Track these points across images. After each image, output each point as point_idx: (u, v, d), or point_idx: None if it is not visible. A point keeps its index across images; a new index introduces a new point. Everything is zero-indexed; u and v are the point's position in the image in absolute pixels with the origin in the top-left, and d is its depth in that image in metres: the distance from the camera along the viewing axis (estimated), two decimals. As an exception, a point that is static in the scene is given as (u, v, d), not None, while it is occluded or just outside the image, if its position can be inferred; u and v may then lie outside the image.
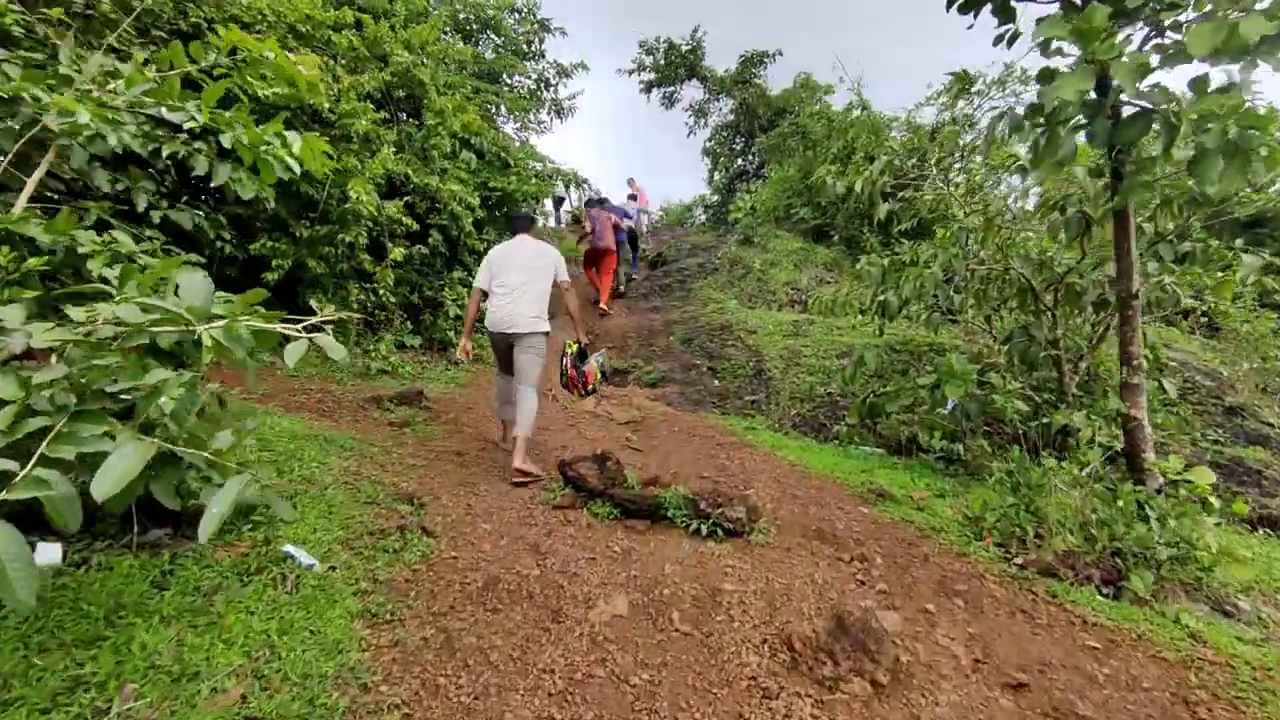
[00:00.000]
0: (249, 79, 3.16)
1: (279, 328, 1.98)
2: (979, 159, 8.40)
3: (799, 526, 3.52)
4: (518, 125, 12.69)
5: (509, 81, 11.55)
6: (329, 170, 4.08)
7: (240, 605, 2.09)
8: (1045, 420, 4.46)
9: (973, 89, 6.28)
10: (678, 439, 5.47)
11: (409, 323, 6.96)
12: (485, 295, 4.59)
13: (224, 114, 2.80)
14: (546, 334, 4.63)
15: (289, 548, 2.44)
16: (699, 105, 19.06)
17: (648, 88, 18.74)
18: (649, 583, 2.78)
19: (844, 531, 3.48)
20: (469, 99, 8.29)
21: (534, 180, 9.13)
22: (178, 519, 2.35)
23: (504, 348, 4.62)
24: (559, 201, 16.85)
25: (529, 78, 12.00)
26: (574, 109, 13.92)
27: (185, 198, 4.80)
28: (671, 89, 18.80)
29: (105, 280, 2.15)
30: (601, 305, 9.87)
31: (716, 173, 20.10)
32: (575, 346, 5.11)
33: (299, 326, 2.00)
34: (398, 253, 6.13)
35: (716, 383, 7.21)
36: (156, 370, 1.85)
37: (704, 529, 3.27)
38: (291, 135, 2.93)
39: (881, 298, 5.82)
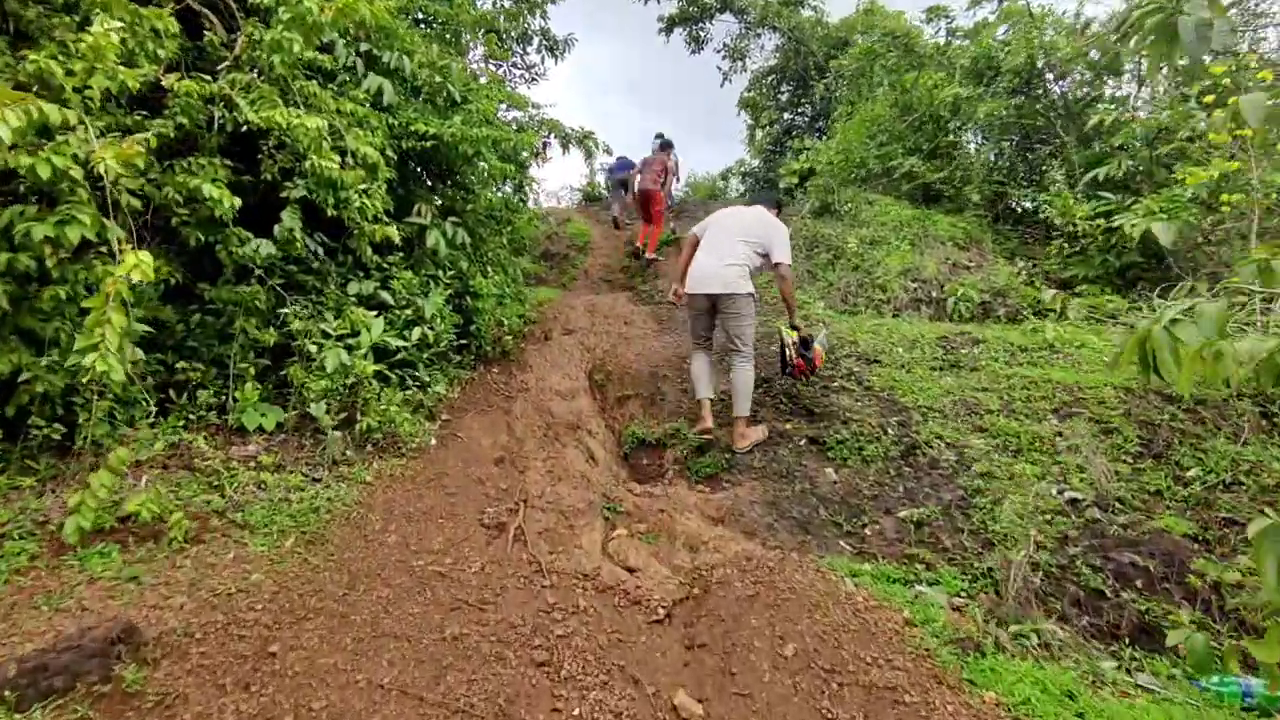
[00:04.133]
0: None
1: None
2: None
3: None
4: (497, 66, 9.54)
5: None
6: None
7: None
8: None
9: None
10: (797, 677, 2.31)
11: (255, 385, 3.84)
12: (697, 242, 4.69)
13: None
14: (753, 295, 4.46)
15: None
16: (734, 44, 15.64)
17: (668, 25, 15.36)
18: None
19: None
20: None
21: (513, 131, 5.96)
22: None
23: (706, 313, 4.55)
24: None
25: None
26: (571, 43, 10.72)
27: None
28: (699, 25, 15.39)
29: None
30: (648, 254, 9.40)
31: (758, 130, 16.70)
32: (795, 334, 4.60)
33: None
34: (131, 267, 2.83)
35: (833, 475, 3.97)
36: None
37: None
38: None
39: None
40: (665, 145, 10.25)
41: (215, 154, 3.70)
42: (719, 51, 15.66)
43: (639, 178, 9.86)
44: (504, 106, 7.04)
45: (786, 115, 16.22)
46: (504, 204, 6.31)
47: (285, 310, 4.02)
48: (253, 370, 3.90)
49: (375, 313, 4.38)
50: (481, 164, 5.43)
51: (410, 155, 5.16)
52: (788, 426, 4.43)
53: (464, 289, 5.57)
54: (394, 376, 4.54)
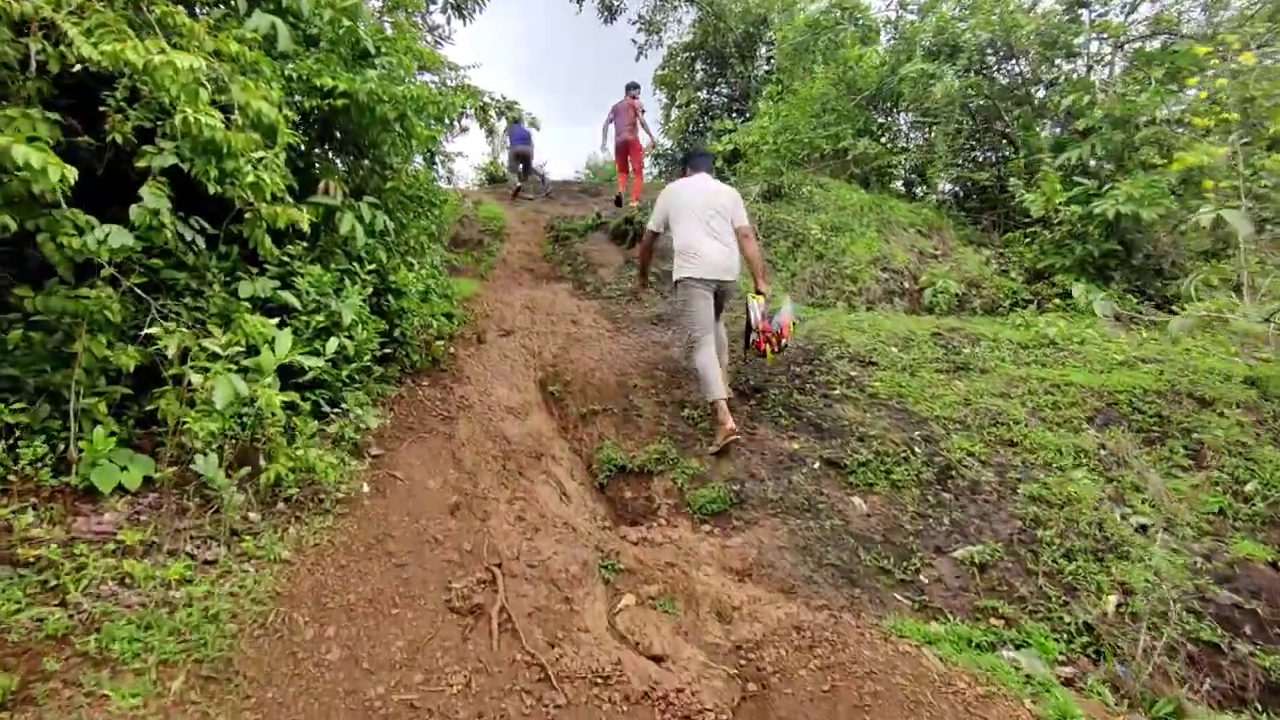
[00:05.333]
0: None
1: None
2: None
3: None
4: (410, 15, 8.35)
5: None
6: None
7: None
8: None
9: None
10: None
11: (110, 426, 2.78)
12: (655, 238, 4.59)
13: None
14: None
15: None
16: (649, 17, 14.91)
17: (580, -9, 14.38)
18: None
19: None
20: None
21: (435, 91, 4.98)
22: None
23: (712, 299, 4.30)
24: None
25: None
26: (481, 2, 9.65)
27: None
28: (612, -7, 14.51)
29: None
30: (632, 202, 9.07)
31: (674, 109, 16.10)
32: (761, 298, 4.37)
33: None
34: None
35: (863, 507, 3.40)
36: None
37: None
38: None
39: None
40: (632, 88, 9.57)
41: (34, 104, 2.61)
42: (634, 23, 14.87)
43: (613, 128, 9.48)
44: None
45: (703, 94, 15.69)
46: (428, 182, 5.31)
47: (151, 323, 2.96)
48: (104, 406, 2.84)
49: (278, 321, 3.38)
50: (401, 131, 4.44)
51: (312, 119, 4.11)
52: (795, 446, 3.83)
53: (384, 286, 4.59)
54: (306, 403, 3.56)
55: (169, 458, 2.86)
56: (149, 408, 2.94)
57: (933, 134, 6.97)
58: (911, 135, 8.26)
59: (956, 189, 6.78)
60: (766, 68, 14.79)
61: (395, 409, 4.27)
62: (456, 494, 3.47)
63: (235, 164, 2.88)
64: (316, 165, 4.20)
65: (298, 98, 3.79)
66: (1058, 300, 5.51)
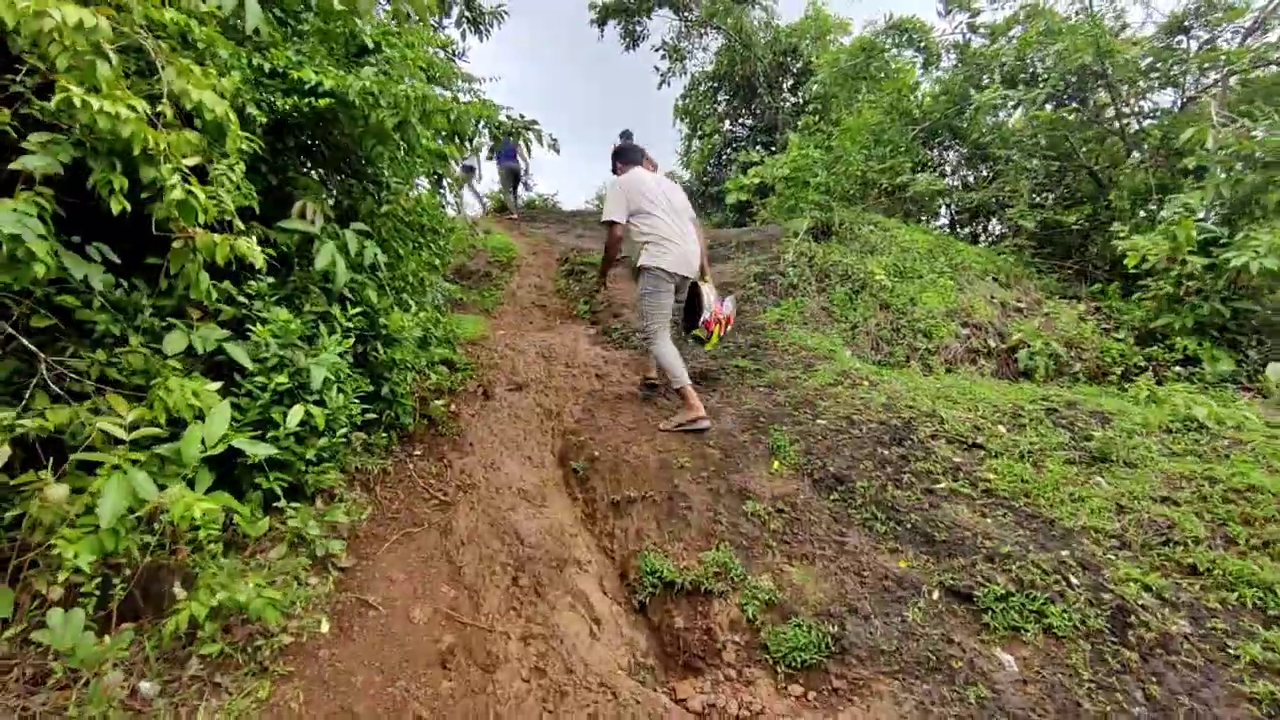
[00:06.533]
0: None
1: None
2: None
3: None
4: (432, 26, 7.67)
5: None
6: None
7: None
8: None
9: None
10: None
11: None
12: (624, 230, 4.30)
13: None
14: None
15: None
16: (673, 44, 14.34)
17: (601, 17, 13.84)
18: None
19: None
20: None
21: (448, 100, 4.22)
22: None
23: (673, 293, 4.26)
24: (470, 171, 11.67)
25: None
26: (501, 16, 9.02)
27: None
28: (636, 20, 13.96)
29: None
30: None
31: (695, 140, 15.47)
32: (708, 282, 4.45)
33: None
34: None
35: (1012, 666, 2.49)
36: None
37: None
38: None
39: None
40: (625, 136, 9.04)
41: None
42: (657, 49, 14.31)
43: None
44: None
45: (726, 126, 15.08)
46: (433, 208, 4.50)
47: (31, 392, 2.10)
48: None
49: (220, 385, 2.52)
50: (402, 142, 3.63)
51: (290, 124, 3.31)
52: (903, 565, 2.92)
53: (373, 331, 3.74)
54: (254, 491, 2.68)
55: (22, 591, 1.97)
56: (13, 513, 2.05)
57: (1007, 169, 6.17)
58: (966, 170, 7.46)
59: (1035, 231, 5.97)
60: (793, 99, 14.21)
61: (378, 490, 3.38)
62: (451, 630, 2.55)
63: (155, 173, 2.03)
64: (293, 180, 3.37)
65: (270, 96, 2.98)
66: (1178, 368, 4.65)
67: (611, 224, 4.25)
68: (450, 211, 7.05)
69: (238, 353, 2.69)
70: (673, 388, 4.14)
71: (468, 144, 6.50)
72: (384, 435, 3.73)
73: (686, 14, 13.84)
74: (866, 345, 5.25)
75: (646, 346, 4.48)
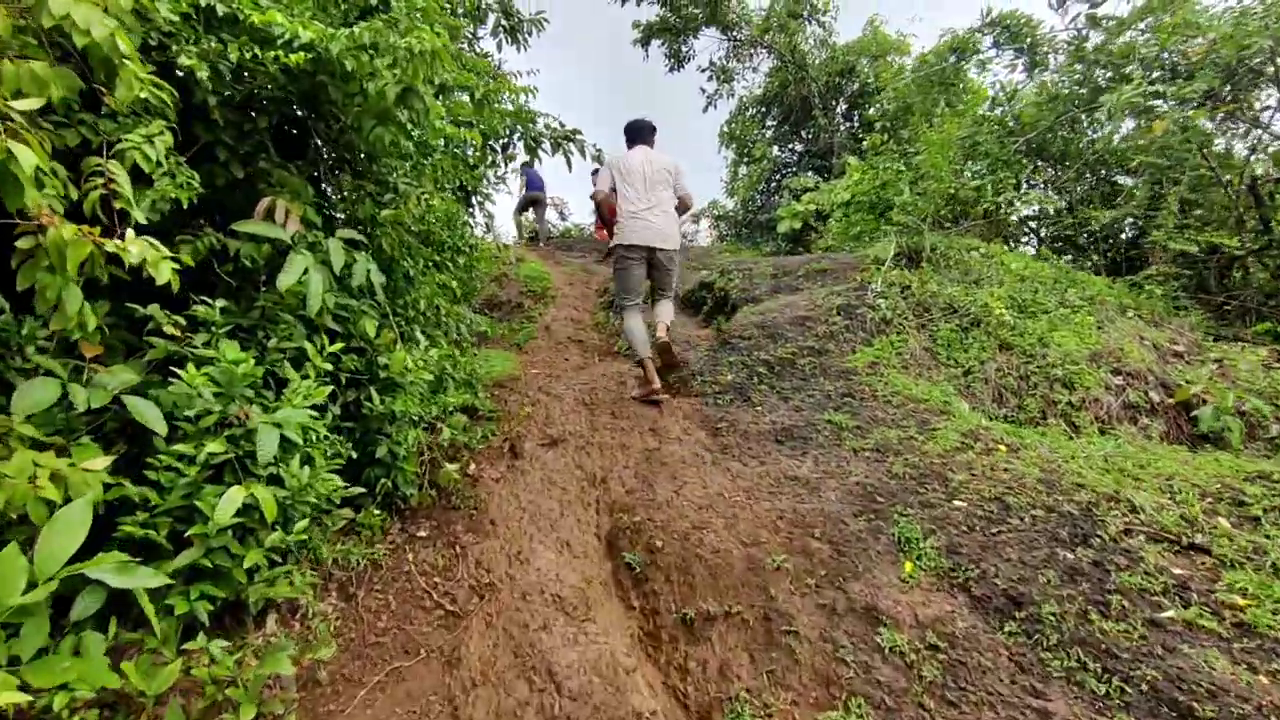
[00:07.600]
0: None
1: None
2: None
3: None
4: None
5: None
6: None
7: None
8: None
9: None
10: None
11: None
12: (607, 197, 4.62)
13: None
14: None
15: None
16: (720, 65, 13.63)
17: (645, 36, 13.20)
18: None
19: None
20: None
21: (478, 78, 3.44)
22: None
23: (646, 264, 4.52)
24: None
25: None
26: (542, 24, 8.33)
27: None
28: (681, 40, 13.29)
29: None
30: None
31: (742, 167, 14.67)
32: None
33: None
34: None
35: None
36: None
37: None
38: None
39: None
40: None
41: None
42: (704, 70, 13.60)
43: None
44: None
45: (775, 151, 14.26)
46: (452, 216, 3.63)
47: None
48: None
49: (110, 460, 1.63)
50: (409, 122, 2.77)
51: (262, 99, 2.47)
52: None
53: (368, 373, 2.85)
54: (163, 621, 1.77)
55: None
56: None
57: (1139, 184, 5.15)
58: (1076, 187, 6.44)
59: (1177, 257, 4.92)
60: (846, 124, 13.38)
61: (362, 596, 2.45)
62: None
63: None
64: (260, 172, 2.52)
65: (224, 45, 2.15)
66: None
67: (594, 194, 4.76)
68: (478, 231, 6.24)
69: (144, 409, 1.80)
70: (634, 359, 4.63)
71: (499, 150, 5.66)
72: (377, 513, 2.81)
73: (735, 33, 13.14)
74: (986, 396, 4.22)
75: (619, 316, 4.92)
